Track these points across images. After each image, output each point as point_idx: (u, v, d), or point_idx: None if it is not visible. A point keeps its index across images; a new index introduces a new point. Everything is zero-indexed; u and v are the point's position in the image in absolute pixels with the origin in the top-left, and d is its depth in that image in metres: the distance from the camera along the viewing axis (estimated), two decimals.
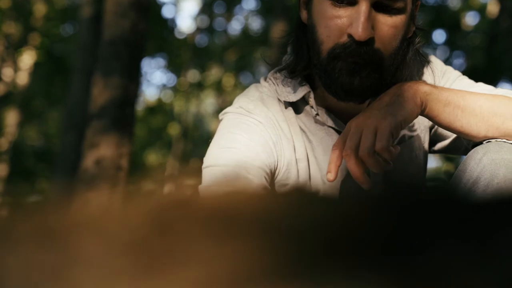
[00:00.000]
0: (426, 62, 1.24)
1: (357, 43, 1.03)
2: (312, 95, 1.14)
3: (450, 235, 0.25)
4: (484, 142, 1.07)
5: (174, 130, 11.39)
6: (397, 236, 0.25)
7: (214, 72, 11.82)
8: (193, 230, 0.25)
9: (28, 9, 9.36)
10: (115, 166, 2.13)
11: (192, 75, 11.64)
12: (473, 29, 9.52)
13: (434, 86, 1.09)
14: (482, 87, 1.21)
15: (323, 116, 1.16)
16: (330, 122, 1.16)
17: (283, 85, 1.17)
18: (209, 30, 11.53)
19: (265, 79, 1.22)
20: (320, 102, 1.17)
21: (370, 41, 1.04)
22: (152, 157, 13.17)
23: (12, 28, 9.20)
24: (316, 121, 1.16)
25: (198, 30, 11.08)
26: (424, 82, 1.14)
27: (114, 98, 2.17)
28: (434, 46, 8.84)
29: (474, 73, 6.85)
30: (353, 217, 0.26)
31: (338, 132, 1.15)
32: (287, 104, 1.17)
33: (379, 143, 0.96)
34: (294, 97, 1.15)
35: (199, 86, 11.55)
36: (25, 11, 9.29)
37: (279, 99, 1.17)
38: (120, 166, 2.14)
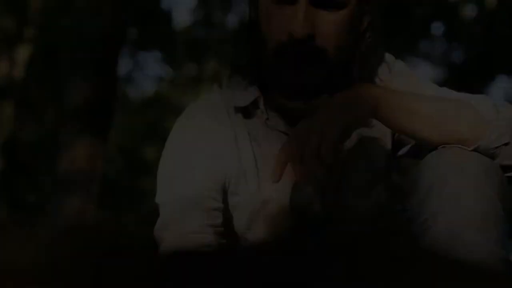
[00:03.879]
0: (386, 63, 1.21)
1: (297, 41, 1.02)
2: (262, 99, 1.12)
3: None
4: (438, 148, 1.05)
5: (171, 123, 11.34)
6: None
7: (212, 65, 11.79)
8: None
9: (23, 1, 9.34)
10: (89, 167, 2.10)
11: (189, 68, 11.60)
12: (472, 21, 9.44)
13: (386, 89, 1.07)
14: (445, 93, 1.18)
15: (274, 120, 1.13)
16: (281, 127, 1.13)
17: (235, 89, 1.15)
18: (206, 22, 11.47)
19: (219, 84, 1.19)
20: (273, 104, 1.15)
21: (310, 38, 1.02)
22: (148, 151, 13.17)
23: (7, 21, 9.19)
24: (268, 126, 1.14)
25: (195, 22, 11.03)
26: (377, 85, 1.12)
27: (89, 97, 2.14)
28: (432, 38, 8.78)
29: (472, 65, 6.80)
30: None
31: None
32: (237, 110, 1.14)
33: (323, 146, 0.95)
34: (244, 102, 1.13)
35: (196, 79, 11.51)
36: (20, 4, 9.26)
37: (229, 105, 1.15)
38: (95, 167, 2.11)
